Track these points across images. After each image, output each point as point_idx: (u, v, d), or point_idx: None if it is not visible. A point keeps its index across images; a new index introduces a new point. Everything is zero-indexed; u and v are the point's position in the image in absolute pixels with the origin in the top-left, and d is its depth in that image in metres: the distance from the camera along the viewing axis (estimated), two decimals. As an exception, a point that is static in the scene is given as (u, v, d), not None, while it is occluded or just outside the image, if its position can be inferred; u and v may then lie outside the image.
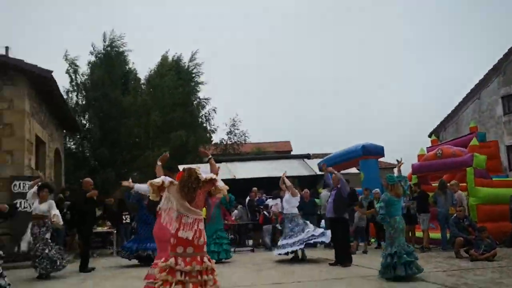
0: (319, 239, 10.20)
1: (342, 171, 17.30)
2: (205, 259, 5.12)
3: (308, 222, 10.72)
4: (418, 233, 12.34)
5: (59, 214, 8.95)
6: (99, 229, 13.63)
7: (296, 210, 10.64)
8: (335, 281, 7.44)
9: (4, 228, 10.79)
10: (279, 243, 10.57)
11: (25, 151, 12.37)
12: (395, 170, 8.43)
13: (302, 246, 10.08)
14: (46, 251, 8.64)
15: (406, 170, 17.45)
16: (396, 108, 73.47)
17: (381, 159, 16.94)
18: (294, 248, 10.12)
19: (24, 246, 11.40)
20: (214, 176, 5.46)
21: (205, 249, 5.23)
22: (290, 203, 10.57)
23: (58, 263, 8.73)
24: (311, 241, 10.16)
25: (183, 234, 5.08)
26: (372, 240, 13.61)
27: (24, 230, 11.20)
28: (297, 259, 10.35)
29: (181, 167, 6.15)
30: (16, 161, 12.18)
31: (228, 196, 10.32)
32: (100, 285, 7.92)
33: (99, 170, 22.10)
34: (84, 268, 9.50)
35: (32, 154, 13.33)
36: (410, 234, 12.10)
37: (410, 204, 12.03)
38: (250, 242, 14.61)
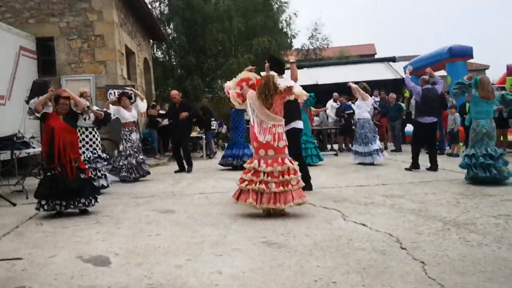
0: (372, 160, 10.19)
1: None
2: (286, 160, 5.49)
3: (376, 132, 10.57)
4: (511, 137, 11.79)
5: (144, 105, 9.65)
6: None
7: (367, 115, 10.47)
8: (421, 184, 7.44)
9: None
10: (353, 148, 10.67)
11: (117, 61, 12.98)
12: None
13: (372, 161, 10.19)
14: (140, 157, 9.33)
15: (501, 71, 16.38)
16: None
17: (470, 61, 15.86)
18: (366, 161, 10.22)
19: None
20: (290, 84, 5.59)
21: (286, 151, 5.60)
22: (360, 107, 10.43)
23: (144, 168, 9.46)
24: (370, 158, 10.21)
25: (263, 138, 5.52)
26: (461, 144, 13.23)
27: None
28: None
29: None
30: (110, 71, 12.85)
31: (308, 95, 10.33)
32: (194, 185, 8.50)
33: (187, 78, 22.77)
34: (190, 168, 10.45)
35: (123, 64, 13.98)
36: (501, 138, 11.61)
37: (502, 107, 11.39)
38: (335, 146, 14.79)
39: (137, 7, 14.84)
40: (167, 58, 25.27)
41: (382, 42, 75.33)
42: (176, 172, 10.51)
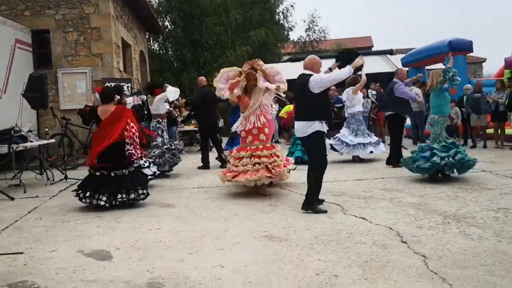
0: (373, 150, 9.91)
1: (427, 67, 16.54)
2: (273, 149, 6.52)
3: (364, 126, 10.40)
4: (509, 130, 11.81)
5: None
6: (186, 127, 14.34)
7: (359, 108, 10.22)
8: (419, 177, 7.45)
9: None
10: (344, 138, 10.08)
11: (113, 54, 12.90)
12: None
13: (362, 153, 9.86)
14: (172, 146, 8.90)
15: (499, 64, 16.40)
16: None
17: (468, 54, 15.83)
18: (355, 153, 9.91)
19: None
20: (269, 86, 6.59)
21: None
22: (352, 99, 10.12)
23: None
24: (367, 150, 9.91)
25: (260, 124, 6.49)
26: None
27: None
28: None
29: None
30: (106, 64, 12.77)
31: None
32: (192, 179, 8.51)
33: (183, 71, 22.68)
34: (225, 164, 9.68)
35: (120, 57, 13.90)
36: (499, 132, 11.63)
37: (499, 98, 11.46)
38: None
39: (133, -1, 14.75)
40: (164, 50, 25.16)
41: (379, 34, 75.20)
42: (200, 168, 9.92)
